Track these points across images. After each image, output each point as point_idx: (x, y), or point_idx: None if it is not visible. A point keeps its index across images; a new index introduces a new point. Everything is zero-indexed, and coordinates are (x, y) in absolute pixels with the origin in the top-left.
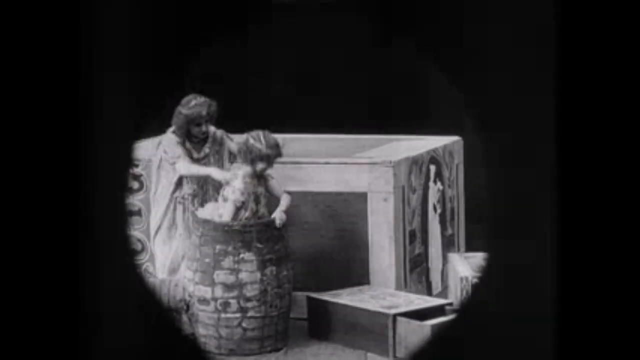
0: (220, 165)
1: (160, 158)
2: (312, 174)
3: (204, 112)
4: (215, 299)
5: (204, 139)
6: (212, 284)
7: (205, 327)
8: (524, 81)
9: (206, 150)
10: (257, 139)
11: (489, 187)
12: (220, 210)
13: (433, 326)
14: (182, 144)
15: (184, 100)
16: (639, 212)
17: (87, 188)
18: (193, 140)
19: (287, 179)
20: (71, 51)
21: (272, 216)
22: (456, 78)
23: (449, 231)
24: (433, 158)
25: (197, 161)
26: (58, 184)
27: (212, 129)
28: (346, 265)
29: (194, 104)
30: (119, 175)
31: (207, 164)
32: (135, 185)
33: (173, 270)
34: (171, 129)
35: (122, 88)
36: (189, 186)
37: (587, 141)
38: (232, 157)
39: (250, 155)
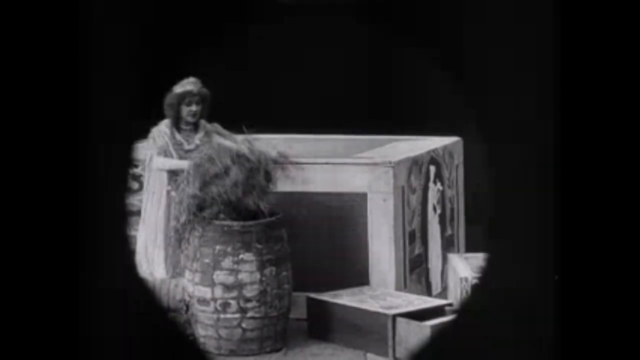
0: None
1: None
2: (312, 174)
3: (195, 90)
4: (214, 300)
5: (194, 126)
6: (212, 284)
7: (204, 327)
8: (524, 81)
9: (197, 141)
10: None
11: (489, 187)
12: None
13: (433, 327)
14: (173, 135)
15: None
16: (638, 213)
17: (87, 188)
18: (183, 127)
19: (287, 179)
20: (71, 51)
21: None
22: (456, 78)
23: (449, 232)
24: (433, 158)
25: (187, 152)
26: (58, 184)
27: (203, 122)
28: (346, 265)
29: (185, 82)
30: (119, 175)
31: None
32: (135, 185)
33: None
34: (163, 122)
35: (122, 88)
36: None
37: (587, 141)
38: None
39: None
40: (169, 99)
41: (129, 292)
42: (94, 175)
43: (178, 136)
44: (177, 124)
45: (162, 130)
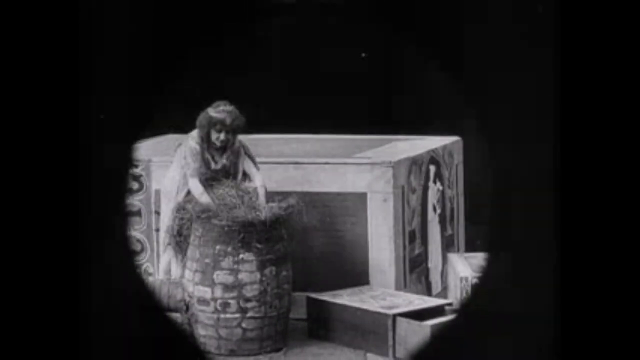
0: (234, 178)
1: (182, 165)
2: (312, 174)
3: (228, 121)
4: (214, 300)
5: (222, 147)
6: (212, 284)
7: (204, 327)
8: (524, 81)
9: (224, 161)
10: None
11: (489, 187)
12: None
13: (433, 326)
14: (202, 153)
15: (215, 103)
16: (639, 212)
17: (86, 189)
18: (212, 146)
19: (287, 179)
20: (71, 51)
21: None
22: (456, 78)
23: (449, 231)
24: (433, 158)
25: (214, 172)
26: (58, 184)
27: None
28: (346, 265)
29: (221, 109)
30: (119, 176)
31: (223, 176)
32: (135, 185)
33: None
34: (192, 136)
35: (122, 88)
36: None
37: (587, 141)
38: (245, 177)
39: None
40: (201, 118)
41: (129, 292)
42: (94, 175)
43: (206, 155)
44: (206, 141)
45: (193, 148)
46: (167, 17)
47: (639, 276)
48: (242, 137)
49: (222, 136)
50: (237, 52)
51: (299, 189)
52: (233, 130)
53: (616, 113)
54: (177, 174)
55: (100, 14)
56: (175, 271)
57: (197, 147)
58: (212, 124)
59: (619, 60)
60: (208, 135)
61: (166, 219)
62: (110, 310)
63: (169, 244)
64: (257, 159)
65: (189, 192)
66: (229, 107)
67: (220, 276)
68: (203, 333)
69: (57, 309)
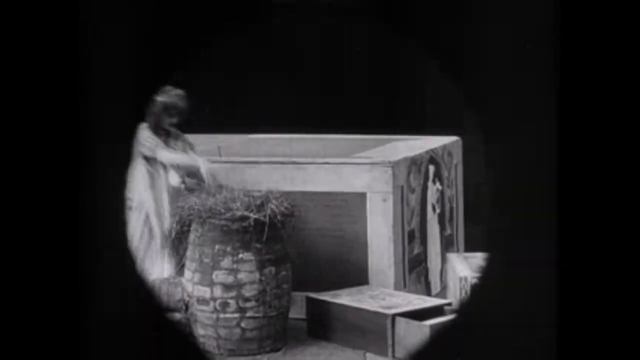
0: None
1: (139, 153)
2: (312, 174)
3: (180, 104)
4: (214, 299)
5: (168, 134)
6: (211, 284)
7: (204, 327)
8: (524, 81)
9: (179, 147)
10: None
11: (489, 187)
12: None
13: (432, 326)
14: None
15: (162, 90)
16: (639, 212)
17: (86, 188)
18: (160, 133)
19: (287, 179)
20: (71, 50)
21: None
22: (456, 78)
23: (448, 231)
24: (432, 158)
25: None
26: (58, 183)
27: (174, 130)
28: (345, 265)
29: (173, 94)
30: (119, 174)
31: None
32: None
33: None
34: (143, 127)
35: (122, 88)
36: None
37: (588, 141)
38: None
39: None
40: (153, 106)
41: (129, 292)
42: (94, 175)
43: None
44: (156, 129)
45: (149, 131)
46: (167, 17)
47: (638, 276)
48: (240, 137)
49: (174, 120)
50: (237, 52)
51: (299, 189)
52: (181, 114)
53: (616, 113)
54: (140, 170)
55: (100, 14)
56: (163, 273)
57: (150, 132)
58: (165, 108)
59: (619, 61)
60: (159, 121)
61: (136, 215)
62: (110, 310)
63: (168, 248)
64: (258, 159)
65: (181, 195)
66: (178, 91)
67: (220, 276)
68: (202, 333)
69: (57, 309)
